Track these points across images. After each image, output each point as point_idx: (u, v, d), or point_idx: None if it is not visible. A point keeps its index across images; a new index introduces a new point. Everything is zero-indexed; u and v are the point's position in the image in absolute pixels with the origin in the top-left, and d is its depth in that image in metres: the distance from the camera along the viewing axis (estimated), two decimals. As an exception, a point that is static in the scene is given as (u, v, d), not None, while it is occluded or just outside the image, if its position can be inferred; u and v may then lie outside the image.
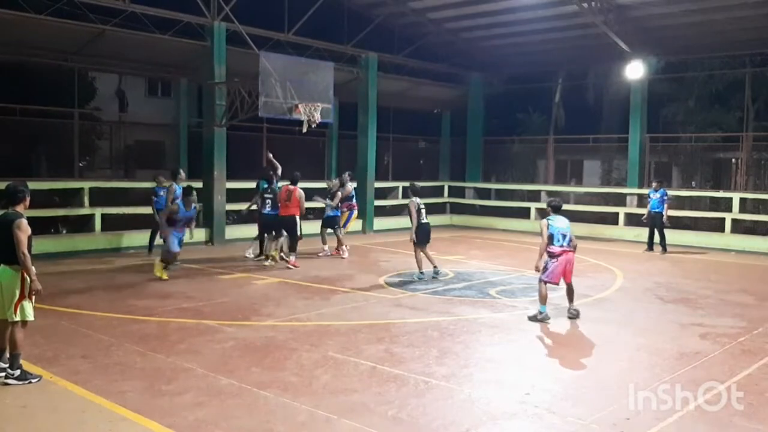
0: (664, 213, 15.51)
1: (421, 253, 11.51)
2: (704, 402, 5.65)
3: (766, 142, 20.66)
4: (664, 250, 15.60)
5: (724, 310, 9.55)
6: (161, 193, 13.40)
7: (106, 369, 6.37)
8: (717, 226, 17.35)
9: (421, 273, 11.44)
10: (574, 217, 20.55)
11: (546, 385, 6.16)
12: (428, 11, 19.69)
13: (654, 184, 16.26)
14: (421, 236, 11.43)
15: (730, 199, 18.09)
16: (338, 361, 6.70)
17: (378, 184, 20.32)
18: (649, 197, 16.03)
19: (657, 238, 15.71)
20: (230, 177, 16.38)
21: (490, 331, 8.16)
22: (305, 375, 6.27)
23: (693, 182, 22.99)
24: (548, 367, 6.83)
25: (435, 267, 11.63)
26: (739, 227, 17.12)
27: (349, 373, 6.35)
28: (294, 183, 12.83)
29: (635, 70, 19.27)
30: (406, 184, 21.67)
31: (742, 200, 17.62)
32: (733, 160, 22.01)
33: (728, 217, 17.42)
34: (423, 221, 11.47)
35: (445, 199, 23.59)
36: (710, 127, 22.52)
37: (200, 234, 15.99)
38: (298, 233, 12.76)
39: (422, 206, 11.53)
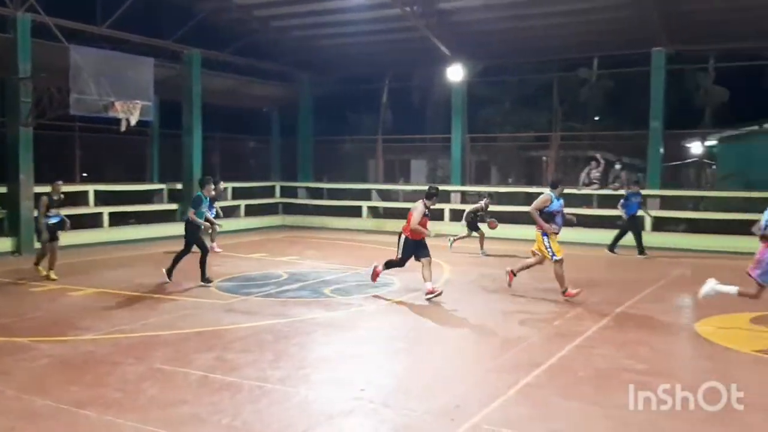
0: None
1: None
2: (526, 384, 6.01)
3: (571, 141, 22.55)
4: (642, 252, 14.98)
5: (541, 296, 10.27)
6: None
7: None
8: (532, 219, 18.55)
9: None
10: (403, 214, 21.30)
11: (381, 380, 6.25)
12: (254, 8, 19.35)
13: (634, 187, 15.43)
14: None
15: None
16: (166, 373, 6.35)
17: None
18: (629, 200, 15.02)
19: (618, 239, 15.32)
20: (39, 180, 15.03)
21: (325, 330, 8.15)
22: (130, 390, 5.88)
23: (510, 179, 24.62)
24: (382, 362, 6.93)
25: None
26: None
27: (178, 385, 6.03)
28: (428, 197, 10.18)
29: (455, 73, 20.25)
30: (237, 185, 21.37)
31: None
32: (544, 158, 23.83)
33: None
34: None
35: (277, 199, 23.35)
36: (524, 128, 24.15)
37: (6, 243, 14.60)
38: (399, 253, 10.16)
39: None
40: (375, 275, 10.63)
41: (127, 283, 11.16)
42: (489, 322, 8.72)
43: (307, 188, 24.04)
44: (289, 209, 23.13)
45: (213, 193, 12.12)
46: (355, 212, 21.85)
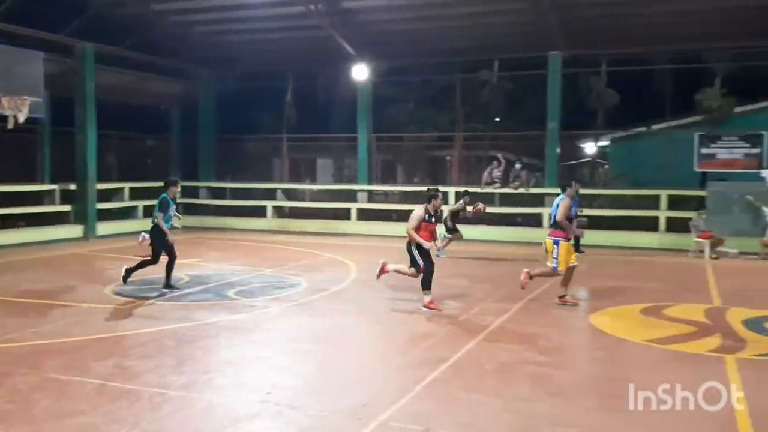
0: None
1: None
2: (432, 380, 6.10)
3: (474, 141, 23.11)
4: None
5: (446, 293, 10.45)
6: None
7: None
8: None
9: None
10: (309, 213, 21.28)
11: (287, 382, 6.18)
12: (151, 2, 18.64)
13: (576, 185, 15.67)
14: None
15: (446, 192, 19.90)
16: (61, 382, 6.02)
17: (101, 186, 18.85)
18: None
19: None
20: None
21: (230, 333, 7.97)
22: (22, 401, 5.56)
23: (415, 178, 24.97)
24: (289, 364, 6.85)
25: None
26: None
27: (74, 394, 5.74)
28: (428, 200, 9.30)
29: (360, 73, 20.29)
30: (134, 185, 20.54)
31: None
32: (448, 157, 24.32)
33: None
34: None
35: (178, 199, 22.59)
36: (428, 128, 24.55)
37: None
38: (419, 263, 9.22)
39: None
40: (381, 272, 9.77)
41: (16, 288, 10.54)
42: (395, 319, 8.80)
43: (209, 188, 23.44)
44: (190, 210, 22.43)
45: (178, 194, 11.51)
46: (260, 212, 21.53)
